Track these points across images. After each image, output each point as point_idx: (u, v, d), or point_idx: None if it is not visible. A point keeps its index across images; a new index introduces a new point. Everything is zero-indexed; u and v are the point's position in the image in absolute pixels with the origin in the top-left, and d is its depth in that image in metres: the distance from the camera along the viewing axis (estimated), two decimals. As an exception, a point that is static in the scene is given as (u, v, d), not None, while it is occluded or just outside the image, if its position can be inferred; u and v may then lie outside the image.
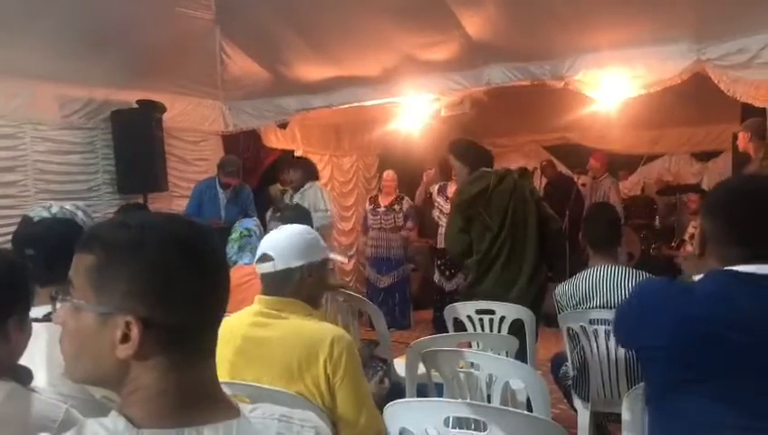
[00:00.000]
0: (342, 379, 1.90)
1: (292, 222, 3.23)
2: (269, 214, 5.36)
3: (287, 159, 7.01)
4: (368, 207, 7.21)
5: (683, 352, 1.57)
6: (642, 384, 2.01)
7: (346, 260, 7.40)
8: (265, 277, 2.08)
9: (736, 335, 1.51)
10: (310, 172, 6.17)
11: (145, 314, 0.93)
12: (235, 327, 2.01)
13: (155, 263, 0.94)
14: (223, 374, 1.74)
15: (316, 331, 1.96)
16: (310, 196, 5.97)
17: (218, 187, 5.75)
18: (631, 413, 2.05)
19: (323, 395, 1.90)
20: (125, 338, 0.93)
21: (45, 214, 1.91)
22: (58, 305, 1.02)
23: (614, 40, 4.50)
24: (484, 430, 1.82)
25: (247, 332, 2.01)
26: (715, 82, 4.31)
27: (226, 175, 5.69)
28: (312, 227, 3.43)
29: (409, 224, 7.05)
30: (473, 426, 1.92)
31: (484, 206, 4.04)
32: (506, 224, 4.00)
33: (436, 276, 6.54)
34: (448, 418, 1.87)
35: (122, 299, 0.93)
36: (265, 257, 2.07)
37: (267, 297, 2.07)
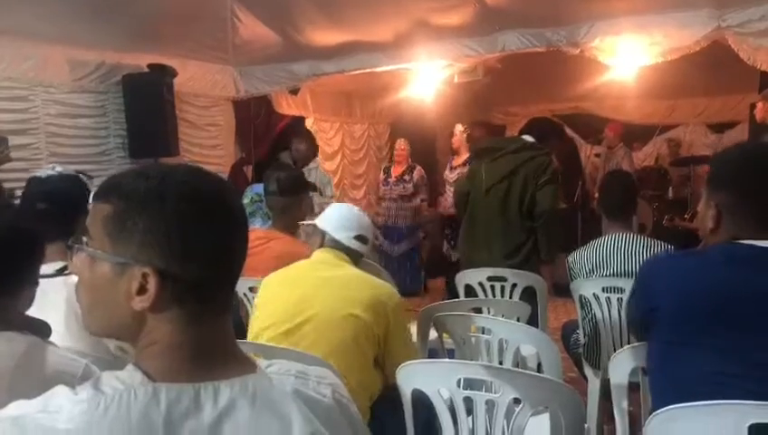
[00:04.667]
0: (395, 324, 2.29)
1: (291, 187, 3.30)
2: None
3: (295, 125, 6.90)
4: (381, 176, 7.20)
5: (689, 310, 1.65)
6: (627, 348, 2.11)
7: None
8: (353, 250, 2.51)
9: (735, 306, 1.59)
10: (314, 146, 6.03)
11: (162, 265, 0.92)
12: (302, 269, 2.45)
13: (173, 214, 0.92)
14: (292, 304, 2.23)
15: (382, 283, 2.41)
16: (315, 179, 5.79)
17: None
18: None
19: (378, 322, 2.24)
20: (142, 290, 0.92)
21: (51, 172, 2.07)
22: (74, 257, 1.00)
23: (632, 6, 4.42)
24: (496, 392, 1.83)
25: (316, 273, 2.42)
26: (735, 50, 4.23)
27: None
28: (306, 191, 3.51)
29: (421, 195, 7.03)
30: (483, 389, 1.92)
31: (487, 162, 4.03)
32: (497, 190, 3.95)
33: (444, 245, 6.57)
34: (460, 380, 1.88)
35: (139, 250, 0.92)
36: (362, 238, 2.54)
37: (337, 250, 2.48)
